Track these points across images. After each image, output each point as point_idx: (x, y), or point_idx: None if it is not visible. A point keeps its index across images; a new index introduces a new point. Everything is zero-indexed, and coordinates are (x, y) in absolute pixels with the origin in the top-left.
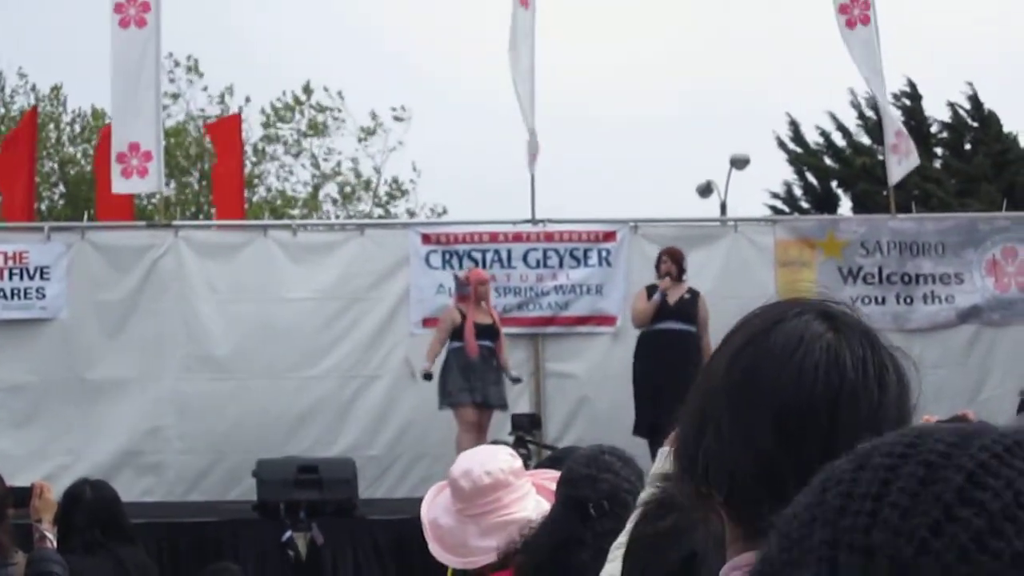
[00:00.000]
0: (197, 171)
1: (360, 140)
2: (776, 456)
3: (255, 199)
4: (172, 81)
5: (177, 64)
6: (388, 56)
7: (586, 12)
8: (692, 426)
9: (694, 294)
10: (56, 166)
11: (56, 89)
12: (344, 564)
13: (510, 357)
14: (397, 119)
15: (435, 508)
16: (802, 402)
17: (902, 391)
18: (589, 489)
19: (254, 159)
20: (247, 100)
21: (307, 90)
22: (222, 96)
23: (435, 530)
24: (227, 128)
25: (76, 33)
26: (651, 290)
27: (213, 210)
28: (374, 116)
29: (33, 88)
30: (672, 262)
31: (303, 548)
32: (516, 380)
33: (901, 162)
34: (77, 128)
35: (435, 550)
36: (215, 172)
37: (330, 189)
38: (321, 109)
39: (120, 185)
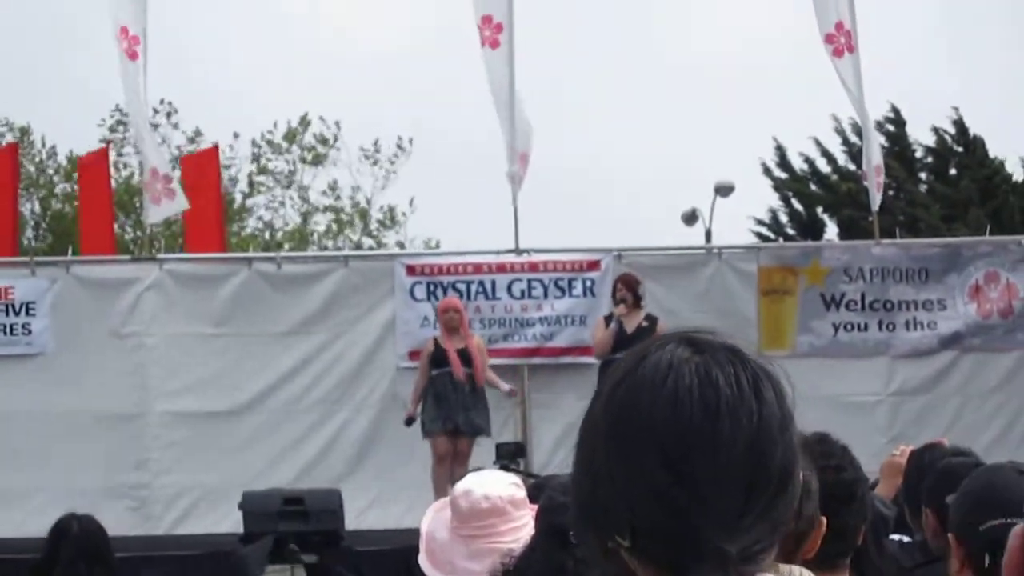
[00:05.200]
0: None
1: (364, 159)
2: (672, 489)
3: (244, 232)
4: (156, 127)
5: (156, 111)
6: (382, 90)
7: (565, 37)
8: (584, 478)
9: (652, 320)
10: (37, 204)
11: (24, 130)
12: None
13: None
14: (400, 147)
15: (436, 521)
16: (683, 427)
17: (780, 397)
18: (568, 516)
19: (246, 191)
20: (235, 136)
21: (304, 122)
22: (192, 138)
23: (429, 542)
24: (202, 161)
25: (42, 70)
26: (609, 319)
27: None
28: (375, 143)
29: (9, 126)
30: (626, 289)
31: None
32: (510, 393)
33: (876, 193)
34: (50, 171)
35: (423, 562)
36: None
37: (320, 219)
38: (322, 140)
39: (155, 214)
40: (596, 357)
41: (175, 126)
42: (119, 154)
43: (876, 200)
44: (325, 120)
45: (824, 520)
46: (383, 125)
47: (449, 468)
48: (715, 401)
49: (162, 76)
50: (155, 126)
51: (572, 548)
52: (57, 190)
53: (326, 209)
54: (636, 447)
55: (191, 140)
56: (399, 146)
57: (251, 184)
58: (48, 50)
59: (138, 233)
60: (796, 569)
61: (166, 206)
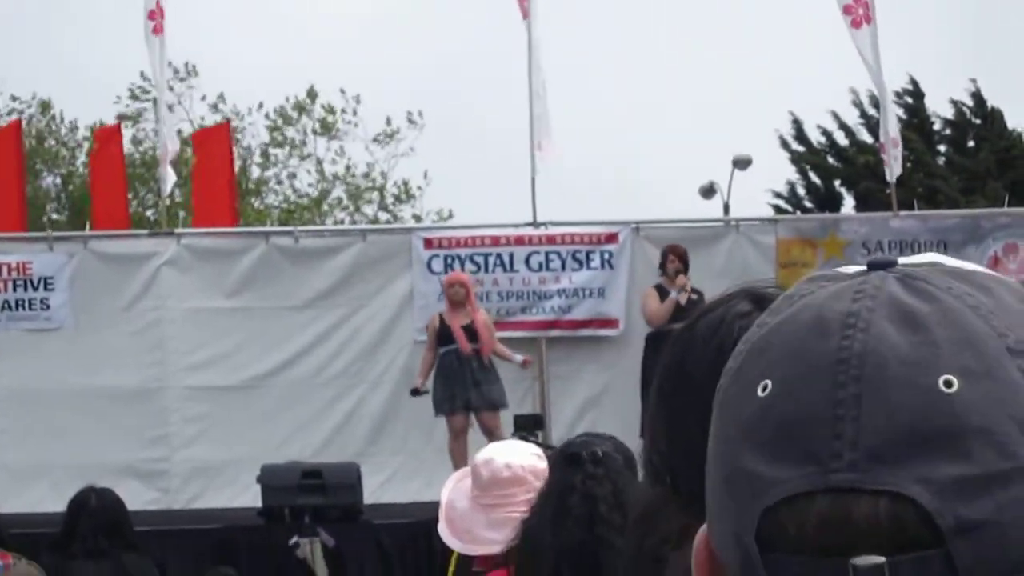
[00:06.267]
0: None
1: (376, 140)
2: (706, 444)
3: (260, 205)
4: (171, 90)
5: (176, 72)
6: (396, 62)
7: (585, 13)
8: (648, 428)
9: (700, 294)
10: (59, 179)
11: (45, 104)
12: (350, 569)
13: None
14: (411, 122)
15: (456, 490)
16: None
17: None
18: (583, 448)
19: (260, 161)
20: (260, 105)
21: (311, 94)
22: (215, 105)
23: (449, 511)
24: (215, 136)
25: (63, 44)
26: (659, 289)
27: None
28: (389, 122)
29: (32, 100)
30: (679, 260)
31: (314, 554)
32: (524, 364)
33: (893, 163)
34: (72, 145)
35: (443, 530)
36: (196, 179)
37: (338, 192)
38: (330, 111)
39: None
40: (653, 327)
41: (202, 98)
42: (135, 126)
43: (894, 172)
44: (345, 93)
45: None
46: (398, 96)
47: (465, 443)
48: None
49: (187, 41)
50: (180, 79)
51: (583, 465)
52: (78, 163)
53: (335, 179)
54: (679, 403)
55: (213, 107)
56: (410, 120)
57: (263, 155)
58: (72, 24)
59: (157, 205)
60: None
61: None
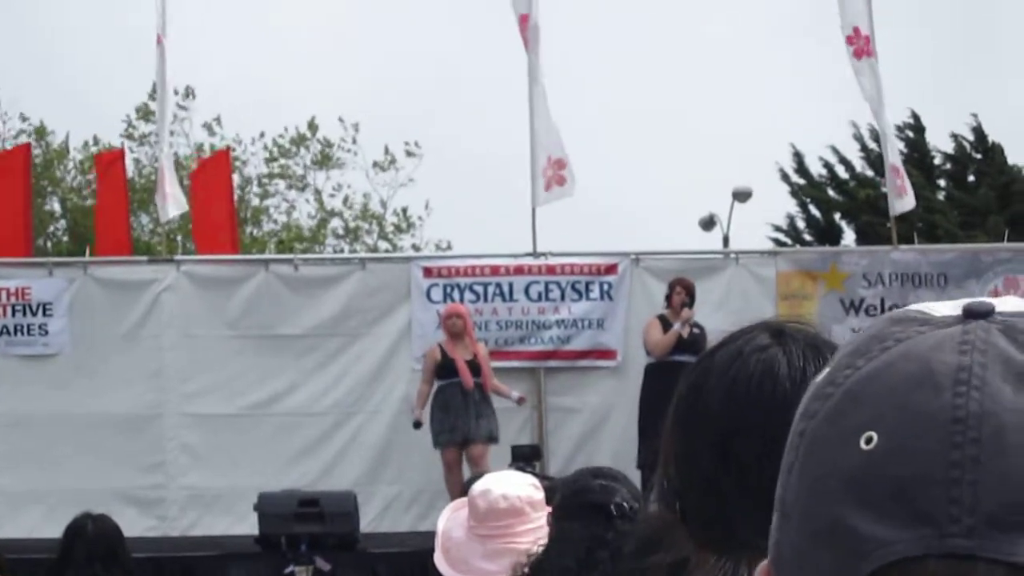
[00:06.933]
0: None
1: (375, 166)
2: (717, 474)
3: (258, 234)
4: (174, 118)
5: (176, 92)
6: (396, 90)
7: (585, 44)
8: (661, 453)
9: (702, 329)
10: (58, 203)
11: (40, 130)
12: None
13: (512, 389)
14: (410, 154)
15: (452, 520)
16: (734, 415)
17: None
18: (606, 495)
19: (258, 191)
20: (261, 135)
21: (312, 126)
22: (210, 127)
23: (445, 541)
24: (214, 165)
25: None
26: (662, 320)
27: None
28: (387, 151)
29: (37, 127)
30: (686, 293)
31: None
32: (520, 401)
33: (899, 199)
34: (71, 168)
35: (438, 560)
36: (195, 208)
37: (335, 224)
38: (329, 144)
39: (166, 213)
40: (655, 357)
41: (203, 125)
42: (139, 147)
43: (895, 206)
44: (344, 121)
45: None
46: (398, 122)
47: (460, 476)
48: (770, 394)
49: (185, 65)
50: (182, 108)
51: (613, 520)
52: (77, 184)
53: (333, 214)
54: (692, 429)
55: (208, 129)
56: (408, 152)
57: (260, 184)
58: (77, 46)
59: (158, 231)
60: None
61: (172, 206)
